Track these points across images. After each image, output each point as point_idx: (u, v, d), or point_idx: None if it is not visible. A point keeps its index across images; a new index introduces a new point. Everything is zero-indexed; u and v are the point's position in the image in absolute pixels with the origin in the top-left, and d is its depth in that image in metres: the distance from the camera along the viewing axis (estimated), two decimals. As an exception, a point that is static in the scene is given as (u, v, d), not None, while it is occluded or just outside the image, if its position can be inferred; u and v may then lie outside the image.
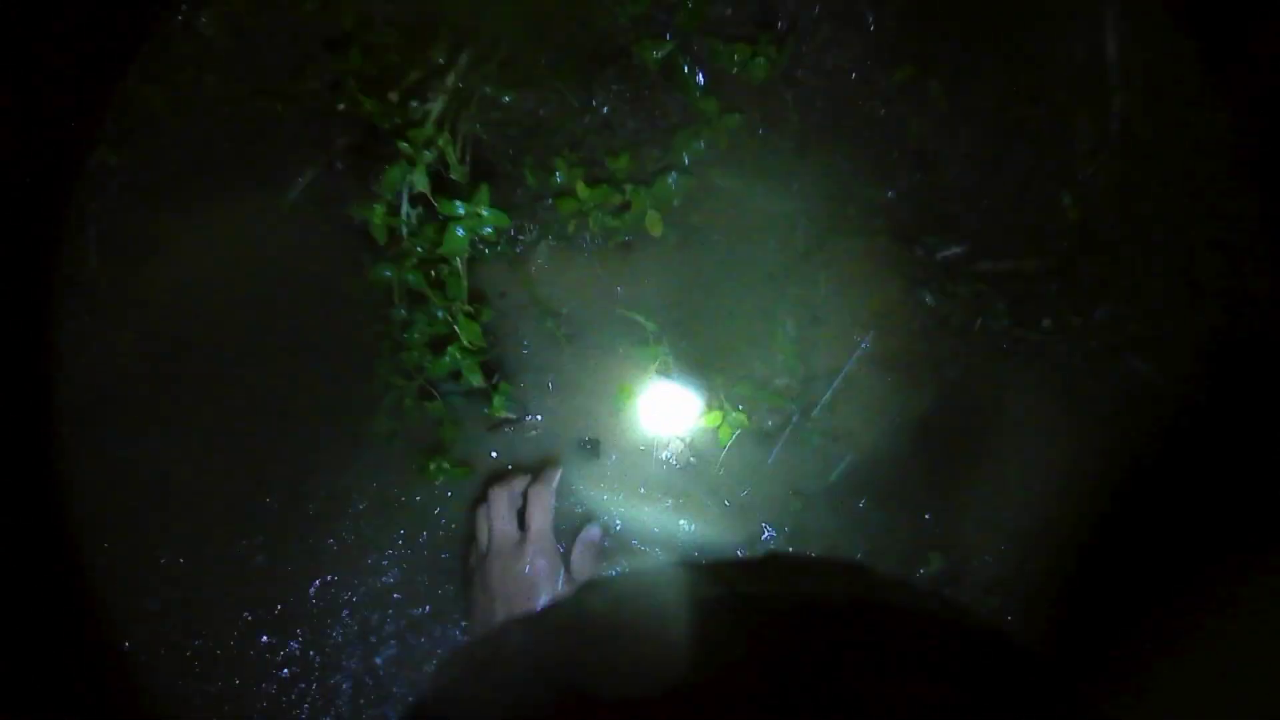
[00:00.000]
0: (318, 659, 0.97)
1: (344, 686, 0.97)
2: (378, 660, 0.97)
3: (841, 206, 0.99)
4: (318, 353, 0.98)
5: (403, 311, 0.91)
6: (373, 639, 0.97)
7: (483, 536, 0.91)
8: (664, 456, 1.00)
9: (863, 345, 0.96)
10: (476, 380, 0.91)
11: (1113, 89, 0.96)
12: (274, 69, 0.96)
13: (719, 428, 0.97)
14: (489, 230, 0.88)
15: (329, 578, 0.97)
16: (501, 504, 0.91)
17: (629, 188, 0.95)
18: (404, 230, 0.87)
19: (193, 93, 0.96)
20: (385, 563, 0.98)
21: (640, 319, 0.96)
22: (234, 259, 0.98)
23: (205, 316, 0.98)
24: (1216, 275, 0.97)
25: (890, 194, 0.99)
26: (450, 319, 0.89)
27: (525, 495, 0.93)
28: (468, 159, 0.91)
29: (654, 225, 0.95)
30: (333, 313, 0.98)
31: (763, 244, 0.99)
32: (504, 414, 0.96)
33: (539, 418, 1.00)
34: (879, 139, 0.99)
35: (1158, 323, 0.98)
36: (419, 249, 0.88)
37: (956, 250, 0.98)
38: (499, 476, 0.97)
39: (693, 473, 0.99)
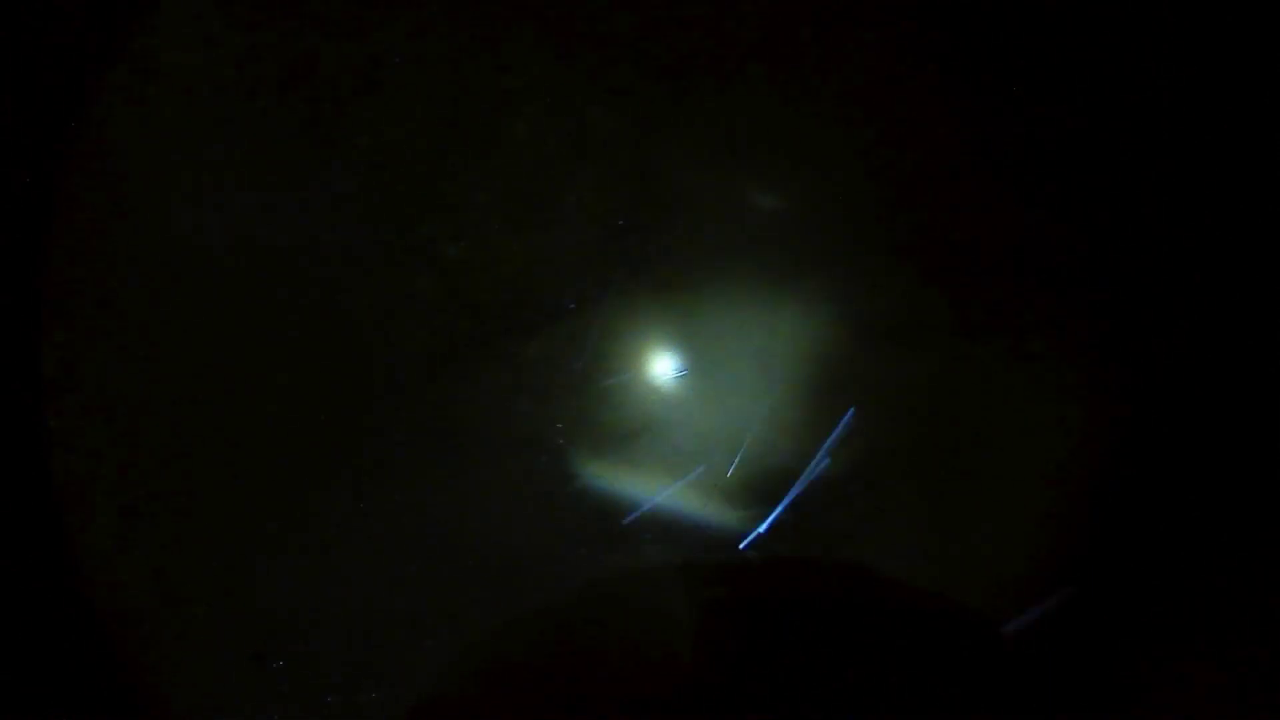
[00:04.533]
0: (320, 660, 0.97)
1: (344, 693, 0.97)
2: (382, 662, 0.97)
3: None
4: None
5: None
6: (376, 642, 0.98)
7: None
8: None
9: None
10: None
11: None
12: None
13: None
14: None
15: (335, 580, 0.98)
16: None
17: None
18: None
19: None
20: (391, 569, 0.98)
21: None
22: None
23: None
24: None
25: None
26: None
27: None
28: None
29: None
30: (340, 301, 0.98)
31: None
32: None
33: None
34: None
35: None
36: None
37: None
38: None
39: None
